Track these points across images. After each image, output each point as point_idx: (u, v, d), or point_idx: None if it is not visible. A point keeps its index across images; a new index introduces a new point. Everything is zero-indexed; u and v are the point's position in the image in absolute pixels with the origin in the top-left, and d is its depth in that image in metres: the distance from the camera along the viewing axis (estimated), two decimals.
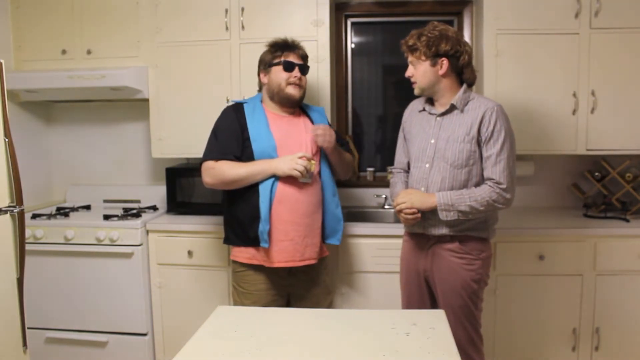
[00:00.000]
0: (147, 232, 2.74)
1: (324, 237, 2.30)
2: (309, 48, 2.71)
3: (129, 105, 3.18)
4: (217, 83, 2.80)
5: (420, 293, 2.15)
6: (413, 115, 2.19)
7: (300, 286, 2.27)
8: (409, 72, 2.08)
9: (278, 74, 2.22)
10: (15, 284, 2.07)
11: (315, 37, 2.73)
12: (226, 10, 2.76)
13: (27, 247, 2.19)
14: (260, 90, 2.35)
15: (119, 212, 2.87)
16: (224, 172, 2.15)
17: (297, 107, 2.31)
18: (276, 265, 2.17)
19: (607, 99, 2.62)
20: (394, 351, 1.35)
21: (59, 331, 2.78)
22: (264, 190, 2.13)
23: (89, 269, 2.72)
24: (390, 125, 3.23)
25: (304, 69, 2.28)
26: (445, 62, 2.00)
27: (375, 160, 3.27)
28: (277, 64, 2.22)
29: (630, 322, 2.50)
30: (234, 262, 2.26)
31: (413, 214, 2.01)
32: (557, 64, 2.63)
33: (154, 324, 2.78)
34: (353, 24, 3.20)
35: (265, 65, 2.27)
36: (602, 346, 2.53)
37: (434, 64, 2.01)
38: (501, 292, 2.53)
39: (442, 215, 1.97)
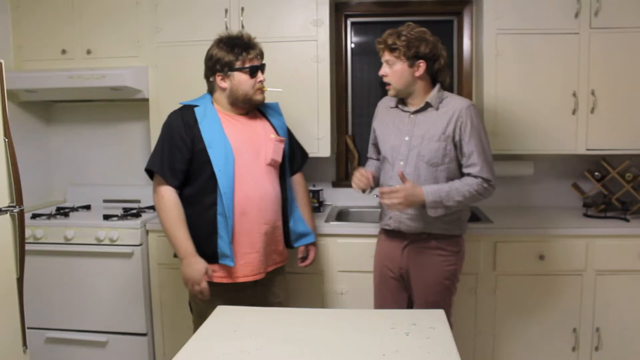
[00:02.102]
0: (147, 232, 2.73)
1: (289, 242, 2.23)
2: (308, 48, 2.73)
3: (129, 105, 3.18)
4: None
5: (395, 292, 2.18)
6: (384, 112, 2.20)
7: (263, 295, 2.17)
8: (384, 70, 2.06)
9: (244, 82, 2.06)
10: (15, 284, 2.07)
11: (315, 37, 2.73)
12: (226, 10, 2.76)
13: (27, 247, 2.19)
14: (210, 91, 2.17)
15: (119, 212, 2.87)
16: (164, 211, 2.02)
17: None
18: (241, 280, 2.06)
19: (607, 99, 2.62)
20: (394, 351, 1.35)
21: (59, 331, 2.78)
22: (226, 202, 1.99)
23: (89, 269, 2.72)
24: None
25: (264, 68, 2.13)
26: (422, 65, 2.02)
27: None
28: (241, 69, 2.05)
29: (630, 322, 2.50)
30: None
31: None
32: (557, 64, 2.63)
33: (153, 324, 2.78)
34: (353, 23, 3.20)
35: (223, 68, 2.06)
36: (602, 346, 2.53)
37: (411, 65, 2.01)
38: (501, 292, 2.53)
39: (431, 212, 1.99)
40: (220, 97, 2.12)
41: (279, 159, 2.18)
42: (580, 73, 2.62)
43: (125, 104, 3.18)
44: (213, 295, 2.02)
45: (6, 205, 2.04)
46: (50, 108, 3.30)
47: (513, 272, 2.52)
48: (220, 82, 2.09)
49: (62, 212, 2.90)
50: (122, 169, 3.29)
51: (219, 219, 2.01)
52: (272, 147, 2.14)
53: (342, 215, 2.96)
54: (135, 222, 2.70)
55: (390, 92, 2.08)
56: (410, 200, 1.96)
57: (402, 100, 2.13)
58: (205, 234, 2.03)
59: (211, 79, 2.12)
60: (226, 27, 2.76)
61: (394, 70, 2.03)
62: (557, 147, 2.69)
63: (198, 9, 2.78)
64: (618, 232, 2.50)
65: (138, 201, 3.18)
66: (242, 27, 2.75)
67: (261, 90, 2.12)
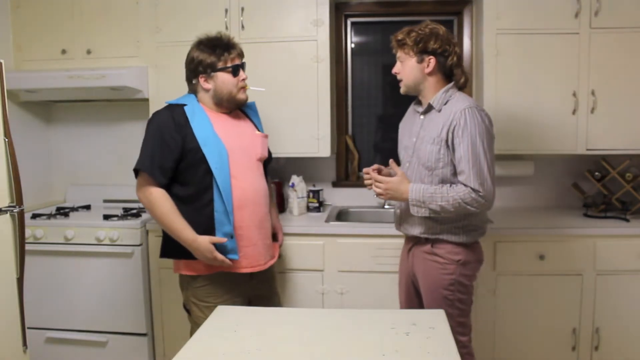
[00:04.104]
0: (147, 232, 2.74)
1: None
2: (308, 48, 2.74)
3: (129, 105, 3.18)
4: None
5: (408, 292, 2.16)
6: (409, 113, 2.20)
7: (260, 288, 2.21)
8: (396, 68, 2.04)
9: (227, 81, 2.08)
10: (15, 284, 2.07)
11: (315, 37, 2.73)
12: (226, 10, 2.76)
13: (27, 247, 2.19)
14: (192, 92, 2.16)
15: (119, 212, 2.87)
16: (157, 206, 2.00)
17: None
18: (243, 270, 2.10)
19: (607, 99, 2.62)
20: (394, 351, 1.35)
21: (59, 331, 2.78)
22: (226, 198, 2.00)
23: (89, 269, 2.72)
24: (390, 125, 3.23)
25: (245, 67, 2.16)
26: (432, 60, 1.96)
27: (375, 160, 3.27)
28: (224, 69, 2.07)
29: (630, 322, 2.51)
30: (190, 277, 2.11)
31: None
32: (557, 64, 2.63)
33: (154, 324, 2.78)
34: (353, 23, 3.20)
35: (206, 69, 2.07)
36: (602, 346, 2.53)
37: (420, 61, 1.97)
38: (501, 292, 2.53)
39: (413, 211, 1.95)
40: (205, 97, 2.12)
41: (266, 154, 2.26)
42: (580, 73, 2.62)
43: (125, 104, 3.18)
44: (217, 288, 2.09)
45: (6, 205, 2.05)
46: (50, 108, 3.30)
47: (513, 272, 2.52)
48: (204, 84, 2.09)
49: (62, 212, 2.90)
50: (122, 169, 3.29)
51: (216, 215, 2.02)
52: (259, 143, 2.20)
53: (342, 215, 2.96)
54: (135, 222, 2.70)
55: (402, 89, 2.06)
56: (392, 195, 1.97)
57: (420, 101, 2.09)
58: (202, 232, 2.01)
59: (194, 81, 2.12)
60: (226, 27, 2.76)
61: (404, 67, 2.01)
62: (557, 147, 2.69)
63: (198, 8, 2.78)
64: (618, 232, 2.50)
65: (138, 201, 3.17)
66: (242, 27, 2.75)
67: (244, 89, 2.14)
